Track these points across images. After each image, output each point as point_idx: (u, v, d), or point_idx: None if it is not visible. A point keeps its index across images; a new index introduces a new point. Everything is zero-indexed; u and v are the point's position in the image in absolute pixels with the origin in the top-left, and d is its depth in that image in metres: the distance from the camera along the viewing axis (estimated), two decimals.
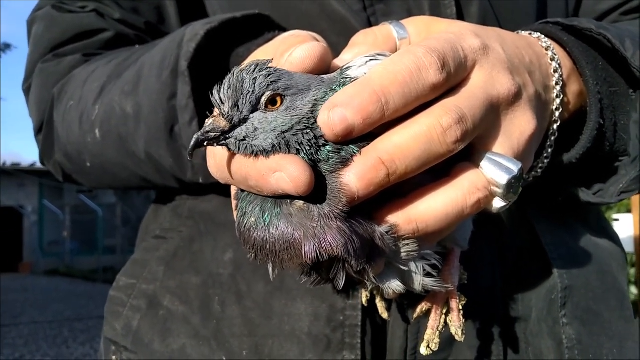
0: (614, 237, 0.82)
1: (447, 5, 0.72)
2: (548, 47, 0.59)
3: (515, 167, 0.46)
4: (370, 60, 0.49)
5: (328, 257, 0.42)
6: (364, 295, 0.62)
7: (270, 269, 0.49)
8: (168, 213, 0.81)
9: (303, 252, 0.42)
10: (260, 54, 0.58)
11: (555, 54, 0.59)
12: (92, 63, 0.82)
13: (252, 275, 0.69)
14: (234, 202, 0.50)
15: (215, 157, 0.47)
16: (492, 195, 0.47)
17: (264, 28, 0.67)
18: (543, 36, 0.61)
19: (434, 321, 0.53)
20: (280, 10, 0.71)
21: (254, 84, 0.44)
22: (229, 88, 0.44)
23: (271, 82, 0.44)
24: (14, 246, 19.83)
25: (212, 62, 0.66)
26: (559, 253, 0.71)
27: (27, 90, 0.90)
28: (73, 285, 14.82)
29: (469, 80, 0.48)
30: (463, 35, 0.49)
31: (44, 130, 0.85)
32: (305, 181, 0.40)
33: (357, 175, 0.42)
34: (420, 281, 0.49)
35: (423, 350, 0.52)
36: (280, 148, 0.43)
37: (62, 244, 19.73)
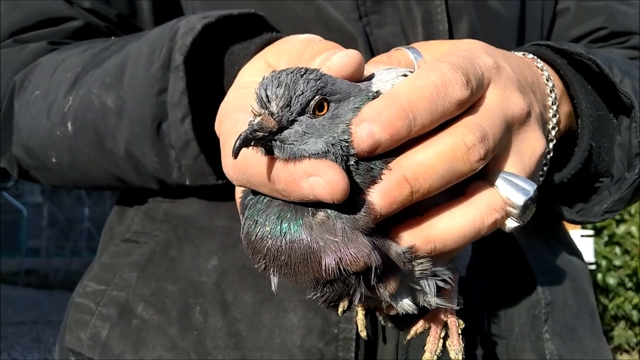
0: (579, 254, 0.85)
1: (439, 20, 0.72)
2: (542, 68, 0.61)
3: (530, 188, 0.47)
4: (402, 75, 0.48)
5: (348, 272, 0.41)
6: (340, 307, 0.61)
7: (274, 281, 0.47)
8: (137, 216, 0.76)
9: (322, 265, 0.41)
10: (271, 54, 0.55)
11: (549, 75, 0.61)
12: (62, 52, 0.76)
13: (240, 284, 0.66)
14: (240, 209, 0.47)
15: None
16: (507, 215, 0.47)
17: (258, 29, 0.64)
18: (536, 57, 0.62)
19: (433, 344, 0.53)
20: (270, 11, 0.69)
21: (307, 85, 0.41)
22: (280, 86, 0.41)
23: (321, 86, 0.42)
24: None
25: (204, 59, 0.63)
26: (541, 269, 0.73)
27: None
28: None
29: (484, 99, 0.48)
30: (477, 53, 0.49)
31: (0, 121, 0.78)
32: (342, 187, 0.39)
33: (380, 193, 0.41)
34: (430, 299, 0.48)
35: None
36: (325, 155, 0.41)
37: None
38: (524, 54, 0.63)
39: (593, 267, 4.89)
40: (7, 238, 18.47)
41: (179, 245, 0.70)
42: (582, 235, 4.46)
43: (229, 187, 0.59)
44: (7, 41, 0.79)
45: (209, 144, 0.61)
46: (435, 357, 0.51)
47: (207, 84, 0.63)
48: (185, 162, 0.62)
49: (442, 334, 0.53)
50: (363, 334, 0.60)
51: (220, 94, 0.55)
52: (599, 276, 5.20)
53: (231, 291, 0.66)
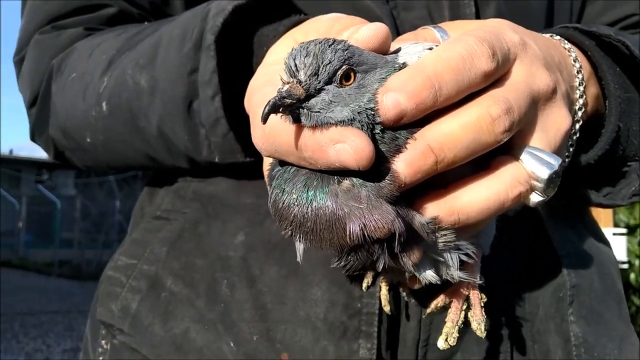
0: (606, 241, 0.85)
1: (466, 4, 0.73)
2: (569, 49, 0.61)
3: (555, 162, 0.47)
4: (428, 49, 0.48)
5: (372, 238, 0.42)
6: (365, 282, 0.61)
7: (300, 249, 0.48)
8: (167, 195, 0.79)
9: (347, 231, 0.42)
10: (300, 33, 0.57)
11: (576, 57, 0.60)
12: (97, 37, 0.79)
13: (265, 259, 0.67)
14: (267, 180, 0.48)
15: (264, 127, 0.45)
16: (531, 189, 0.47)
17: (286, 12, 0.66)
18: (564, 39, 0.62)
19: (454, 315, 0.53)
20: None
21: (334, 55, 0.42)
22: (308, 55, 0.42)
23: (348, 56, 0.43)
24: None
25: (234, 40, 0.64)
26: (567, 251, 0.72)
27: (19, 62, 0.86)
28: (26, 278, 14.29)
29: (510, 74, 0.48)
30: (503, 29, 0.50)
31: (38, 103, 0.82)
32: (368, 154, 0.40)
33: (405, 161, 0.42)
34: (453, 272, 0.48)
35: (441, 344, 0.51)
36: (351, 123, 0.42)
37: (16, 234, 19.02)
38: (551, 36, 0.63)
39: (625, 266, 4.77)
40: (42, 230, 19.02)
41: (207, 222, 0.72)
42: (614, 234, 4.35)
43: (256, 166, 0.61)
44: (46, 27, 0.82)
45: (238, 123, 0.62)
46: (456, 327, 0.52)
47: (237, 65, 0.64)
48: (215, 140, 0.64)
49: (464, 307, 0.53)
50: (387, 308, 0.61)
51: (250, 75, 0.57)
52: (632, 276, 5.06)
53: (257, 265, 0.67)
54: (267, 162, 0.51)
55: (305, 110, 0.42)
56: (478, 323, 0.52)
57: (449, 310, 0.53)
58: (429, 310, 0.55)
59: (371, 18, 0.70)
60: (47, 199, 18.72)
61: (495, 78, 0.46)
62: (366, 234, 0.41)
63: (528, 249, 0.71)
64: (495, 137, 0.44)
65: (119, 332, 0.71)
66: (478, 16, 0.74)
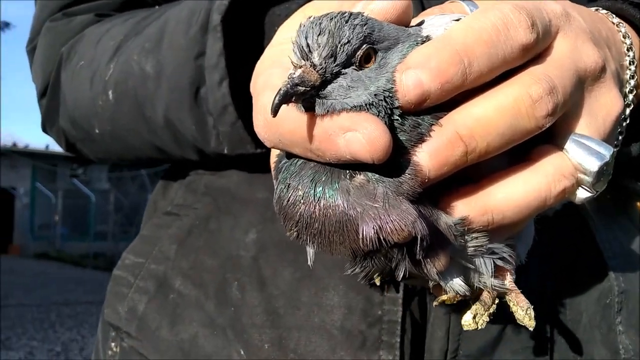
0: None
1: None
2: (618, 24, 0.54)
3: (606, 152, 0.40)
4: (456, 20, 0.42)
5: (389, 243, 0.36)
6: (377, 279, 0.53)
7: (310, 253, 0.42)
8: (180, 189, 0.74)
9: (360, 235, 0.36)
10: (311, 8, 0.51)
11: (626, 32, 0.53)
12: (106, 22, 0.76)
13: (278, 260, 0.62)
14: (274, 174, 0.43)
15: (266, 113, 0.39)
16: (578, 183, 0.41)
17: None
18: (611, 13, 0.55)
19: (487, 298, 0.43)
20: None
21: (353, 32, 0.36)
22: (322, 33, 0.36)
23: (368, 33, 0.37)
24: (4, 227, 19.62)
25: (244, 21, 0.59)
26: (614, 252, 0.65)
27: (31, 51, 0.84)
28: (62, 269, 14.68)
29: (552, 48, 0.42)
30: None
31: (48, 93, 0.79)
32: (384, 144, 0.34)
33: (430, 152, 0.36)
34: (486, 280, 0.42)
35: (468, 319, 0.42)
36: (366, 109, 0.36)
37: (52, 227, 19.53)
38: (596, 10, 0.56)
39: None
40: (77, 223, 19.50)
41: (218, 217, 0.67)
42: None
43: (269, 158, 0.56)
44: (57, 14, 0.80)
45: (248, 111, 0.57)
46: (487, 309, 0.43)
47: (248, 48, 0.59)
48: (223, 129, 0.59)
49: (495, 296, 0.44)
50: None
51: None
52: None
53: (269, 266, 0.62)
54: (274, 154, 0.45)
55: (319, 99, 0.36)
56: (524, 310, 0.43)
57: (481, 295, 0.44)
58: (439, 300, 0.45)
59: None
60: (82, 193, 19.16)
61: (535, 53, 0.40)
62: (382, 238, 0.35)
63: (570, 250, 0.64)
64: (537, 122, 0.37)
65: (127, 336, 0.67)
66: None
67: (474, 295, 0.44)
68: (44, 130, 0.85)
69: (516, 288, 0.44)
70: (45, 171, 20.79)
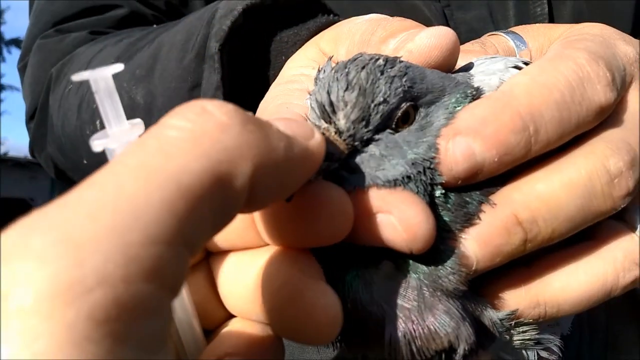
0: None
1: (537, 3, 0.58)
2: None
3: None
4: (514, 67, 0.34)
5: (423, 354, 0.28)
6: None
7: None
8: None
9: (385, 341, 0.28)
10: (327, 40, 0.43)
11: None
12: (99, 42, 0.69)
13: None
14: None
15: None
16: None
17: (313, 12, 0.53)
18: None
19: None
20: None
21: (390, 87, 0.28)
22: (350, 88, 0.28)
23: (408, 87, 0.29)
24: None
25: (246, 48, 0.52)
26: None
27: (22, 69, 0.79)
28: None
29: (626, 103, 0.34)
30: (613, 39, 0.35)
31: (36, 116, 0.73)
32: (426, 232, 0.26)
33: (479, 240, 0.28)
34: None
35: None
36: (403, 184, 0.28)
37: None
38: None
39: None
40: None
41: None
42: None
43: None
44: (50, 31, 0.75)
45: None
46: None
47: (250, 79, 0.52)
48: None
49: None
50: None
51: (266, 91, 0.45)
52: None
53: None
54: None
55: (346, 172, 0.28)
56: None
57: None
58: None
59: (418, 19, 0.56)
60: None
61: (609, 113, 0.32)
62: (415, 349, 0.28)
63: (615, 327, 0.56)
64: (613, 204, 0.30)
65: None
66: (551, 17, 0.60)
67: None
68: (32, 155, 0.79)
69: None
70: (64, 183, 21.06)
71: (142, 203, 0.18)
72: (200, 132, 0.21)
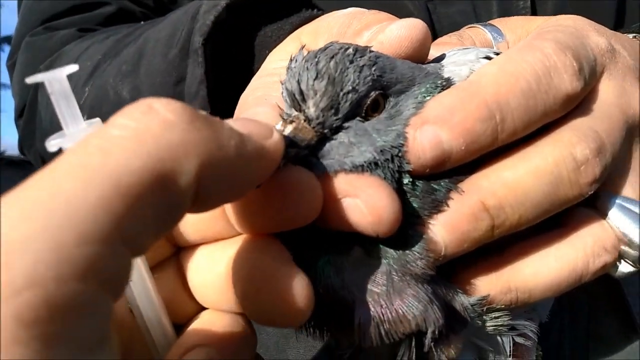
0: None
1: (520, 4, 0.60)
2: None
3: None
4: (485, 58, 0.34)
5: (391, 336, 0.29)
6: None
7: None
8: None
9: (355, 324, 0.29)
10: (307, 32, 0.44)
11: None
12: (87, 39, 0.70)
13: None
14: None
15: None
16: (620, 256, 0.34)
17: (297, 7, 0.54)
18: None
19: None
20: None
21: (359, 75, 0.29)
22: (319, 77, 0.29)
23: (377, 76, 0.29)
24: None
25: (230, 42, 0.53)
26: None
27: (11, 67, 0.79)
28: None
29: (596, 92, 0.34)
30: (585, 30, 0.36)
31: (25, 114, 0.74)
32: (390, 215, 0.27)
33: (447, 226, 0.29)
34: None
35: None
36: (370, 169, 0.29)
37: None
38: (634, 36, 0.49)
39: None
40: None
41: None
42: None
43: None
44: (38, 29, 0.75)
45: None
46: None
47: (235, 73, 0.53)
48: None
49: None
50: None
51: None
52: None
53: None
54: None
55: (314, 159, 0.29)
56: None
57: None
58: None
59: (401, 14, 0.57)
60: None
61: (578, 102, 0.33)
62: (383, 332, 0.28)
63: (596, 316, 0.57)
64: (580, 190, 0.31)
65: None
66: (534, 10, 0.61)
67: None
68: (21, 152, 0.79)
69: None
70: None
71: (78, 202, 0.18)
72: (143, 130, 0.20)
